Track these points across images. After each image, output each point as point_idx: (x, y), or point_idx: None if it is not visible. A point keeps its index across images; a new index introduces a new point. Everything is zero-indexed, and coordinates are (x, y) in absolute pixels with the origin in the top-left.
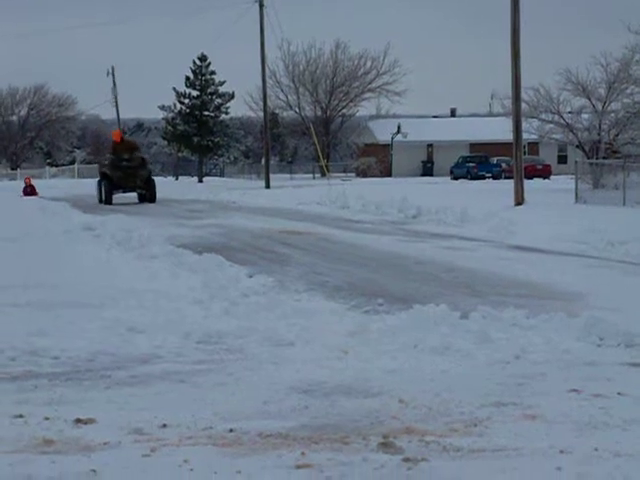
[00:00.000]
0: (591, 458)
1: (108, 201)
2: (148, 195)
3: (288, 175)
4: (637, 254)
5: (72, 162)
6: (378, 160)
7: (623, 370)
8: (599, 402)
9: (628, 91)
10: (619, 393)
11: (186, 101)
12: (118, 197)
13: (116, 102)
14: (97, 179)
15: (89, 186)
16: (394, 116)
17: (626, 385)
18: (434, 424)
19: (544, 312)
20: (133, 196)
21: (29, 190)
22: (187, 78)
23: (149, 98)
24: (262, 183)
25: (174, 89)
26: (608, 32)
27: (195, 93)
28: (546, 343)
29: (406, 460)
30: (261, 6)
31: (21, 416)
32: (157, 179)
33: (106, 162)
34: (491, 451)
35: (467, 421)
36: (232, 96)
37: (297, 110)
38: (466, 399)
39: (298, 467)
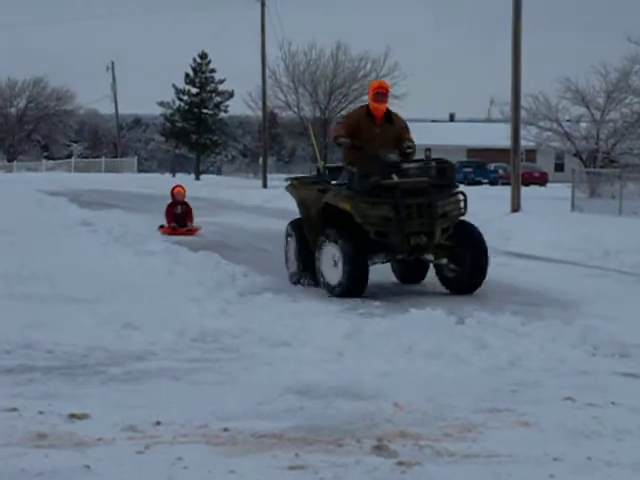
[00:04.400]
0: (584, 467)
1: (357, 288)
2: (471, 270)
3: (285, 175)
4: (633, 264)
5: (69, 156)
6: None
7: (617, 380)
8: (593, 411)
9: (627, 101)
10: (613, 403)
11: (185, 98)
12: None
13: (115, 97)
14: (289, 224)
15: (85, 180)
16: None
17: (620, 395)
18: (428, 428)
19: (539, 319)
20: None
21: (182, 213)
22: (187, 75)
23: (148, 94)
24: (259, 182)
25: (173, 86)
26: (608, 41)
27: (194, 90)
28: (541, 350)
29: (400, 464)
30: (263, 5)
31: (15, 409)
32: (154, 176)
33: (348, 175)
34: (485, 457)
35: (461, 426)
36: (231, 94)
37: (296, 110)
38: (460, 404)
39: (291, 468)
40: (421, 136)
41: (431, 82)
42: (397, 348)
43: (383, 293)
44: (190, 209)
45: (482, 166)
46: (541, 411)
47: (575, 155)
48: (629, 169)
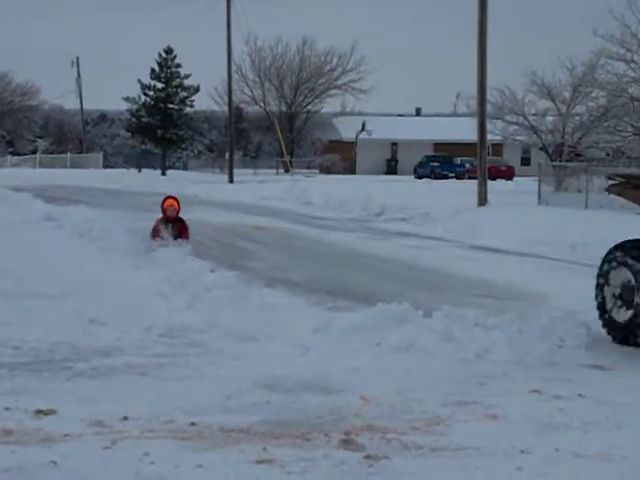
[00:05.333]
0: (551, 459)
1: None
2: None
3: (251, 170)
4: (599, 257)
5: (34, 152)
6: (342, 157)
7: (584, 372)
8: (560, 403)
9: (593, 95)
10: (580, 395)
11: (151, 93)
12: None
13: (80, 93)
14: (620, 247)
15: (51, 176)
16: (359, 114)
17: (586, 387)
18: (396, 422)
19: (506, 312)
20: None
21: (174, 233)
22: (152, 70)
23: (113, 89)
24: (225, 177)
25: (139, 81)
26: (574, 35)
27: (160, 85)
28: (508, 343)
29: (367, 457)
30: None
31: None
32: (119, 171)
33: None
34: (452, 450)
35: (429, 419)
36: (197, 89)
37: (262, 105)
38: (428, 397)
39: (259, 462)
40: (388, 130)
41: (397, 76)
42: (365, 342)
43: (350, 287)
44: (185, 227)
45: (449, 160)
46: (508, 403)
47: (541, 149)
48: (595, 163)
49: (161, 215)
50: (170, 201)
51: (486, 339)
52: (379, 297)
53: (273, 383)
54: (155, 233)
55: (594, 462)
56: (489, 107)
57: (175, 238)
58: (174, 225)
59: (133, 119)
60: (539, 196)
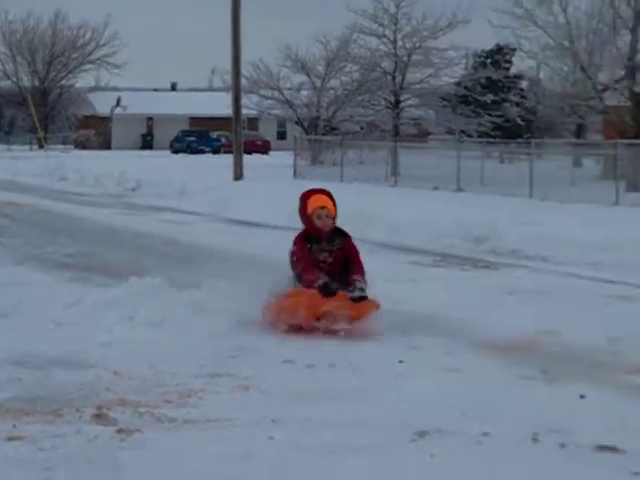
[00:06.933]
0: (302, 427)
1: None
2: None
3: (5, 146)
4: (354, 227)
5: None
6: (97, 132)
7: (334, 342)
8: (312, 373)
9: (347, 69)
10: (331, 364)
11: None
12: None
13: None
14: None
15: None
16: (114, 89)
17: (337, 356)
18: (148, 395)
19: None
20: None
21: (335, 257)
22: None
23: None
24: None
25: None
26: (329, 10)
27: None
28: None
29: (119, 431)
30: None
31: None
32: None
33: None
34: (204, 422)
35: (181, 392)
36: None
37: (14, 80)
38: (181, 370)
39: (9, 439)
40: (143, 105)
41: (152, 51)
42: (118, 317)
43: (105, 262)
44: (353, 247)
45: (205, 135)
46: (262, 374)
47: (297, 123)
48: (350, 136)
49: (304, 227)
50: (320, 197)
51: (239, 311)
52: (134, 272)
53: (24, 359)
54: (305, 279)
55: (349, 429)
56: (244, 81)
57: (338, 267)
58: (333, 241)
59: None
60: (295, 170)
